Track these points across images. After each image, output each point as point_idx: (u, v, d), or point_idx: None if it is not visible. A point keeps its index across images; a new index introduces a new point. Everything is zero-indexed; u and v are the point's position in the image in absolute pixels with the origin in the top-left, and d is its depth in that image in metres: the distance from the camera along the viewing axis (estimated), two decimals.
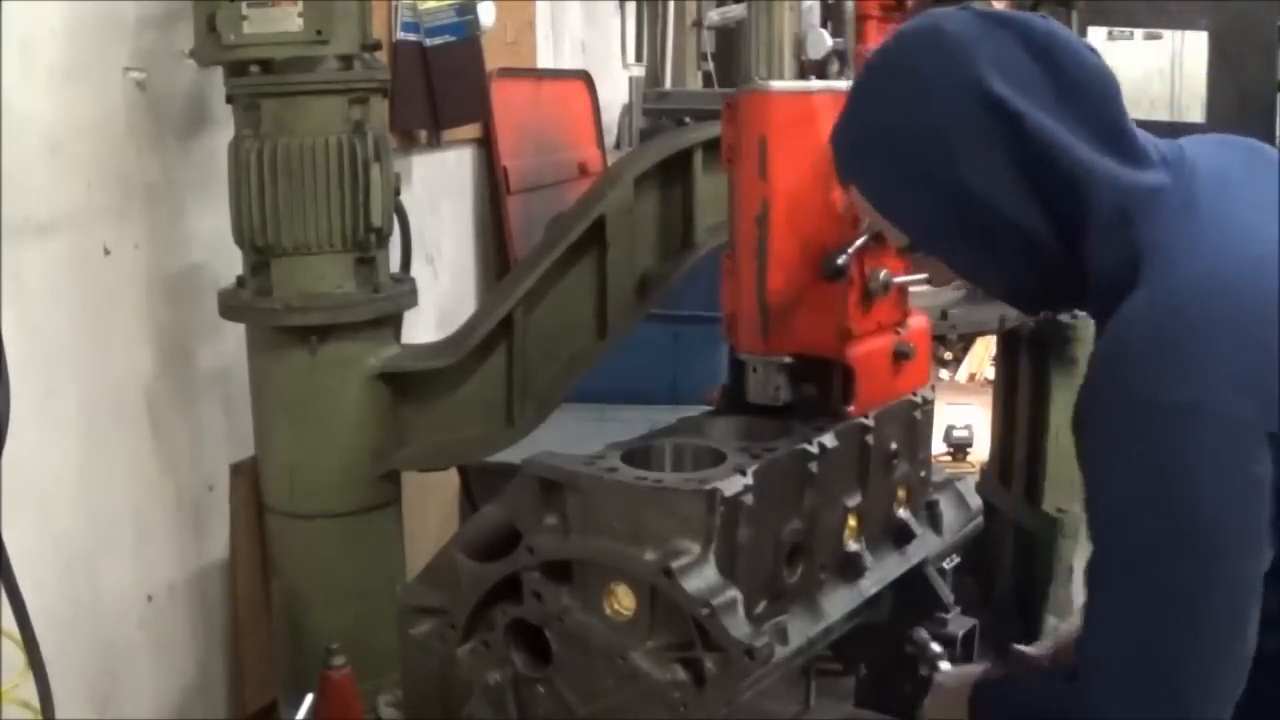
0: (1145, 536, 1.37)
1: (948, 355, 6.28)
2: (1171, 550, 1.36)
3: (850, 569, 1.97)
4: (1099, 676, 1.43)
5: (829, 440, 1.88)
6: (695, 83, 6.26)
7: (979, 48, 1.46)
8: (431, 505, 3.52)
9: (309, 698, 2.28)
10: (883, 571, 2.04)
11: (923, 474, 2.15)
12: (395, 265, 2.74)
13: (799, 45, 1.91)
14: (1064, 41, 1.50)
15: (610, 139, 5.23)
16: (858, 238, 1.89)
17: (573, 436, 2.24)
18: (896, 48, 1.55)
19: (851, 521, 1.96)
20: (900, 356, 2.02)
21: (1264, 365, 1.34)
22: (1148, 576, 1.38)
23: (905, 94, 1.50)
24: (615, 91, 5.46)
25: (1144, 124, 1.58)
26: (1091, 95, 1.50)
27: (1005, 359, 3.44)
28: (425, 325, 3.52)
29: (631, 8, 5.73)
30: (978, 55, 1.46)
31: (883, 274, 1.96)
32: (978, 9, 1.52)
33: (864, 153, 1.57)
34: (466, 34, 3.79)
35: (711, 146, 2.54)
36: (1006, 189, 1.46)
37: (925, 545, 2.14)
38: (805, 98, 1.90)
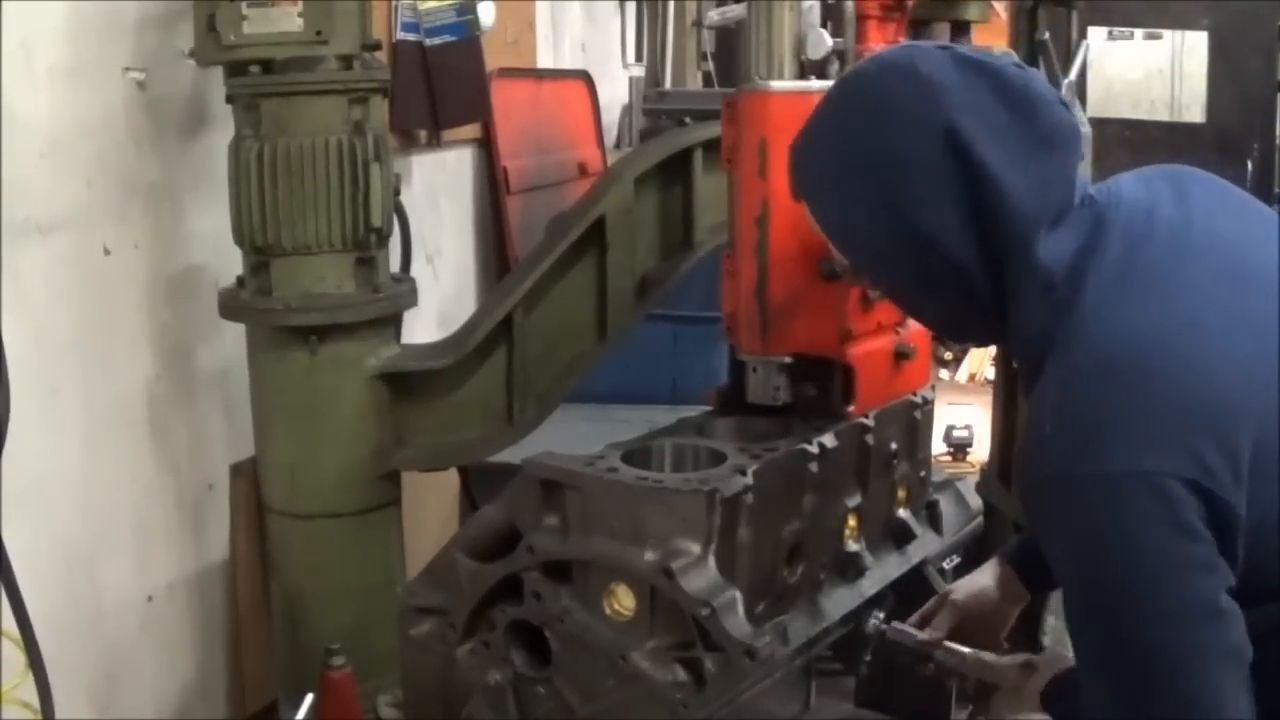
0: (1099, 603, 1.40)
1: (948, 355, 6.27)
2: (1126, 614, 1.37)
3: (850, 569, 1.97)
4: None
5: (829, 440, 1.88)
6: (695, 83, 6.25)
7: (951, 91, 1.46)
8: (431, 505, 3.52)
9: (309, 698, 2.28)
10: (883, 571, 2.04)
11: (923, 474, 2.16)
12: (395, 265, 2.74)
13: (799, 45, 1.91)
14: (1038, 94, 1.49)
15: (610, 139, 5.23)
16: None
17: (573, 436, 2.24)
18: (870, 77, 1.54)
19: (851, 521, 1.96)
20: (900, 356, 2.02)
21: (1175, 419, 1.33)
22: (1112, 640, 1.40)
23: (871, 123, 1.49)
24: (615, 91, 5.45)
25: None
26: (1054, 150, 1.48)
27: (1005, 359, 3.43)
28: (425, 325, 3.52)
29: (631, 8, 5.72)
30: (949, 98, 1.45)
31: None
32: (957, 51, 1.52)
33: (819, 173, 1.57)
34: (466, 34, 3.79)
35: (711, 146, 2.54)
36: (955, 233, 1.46)
37: (925, 545, 2.15)
38: (805, 98, 1.90)
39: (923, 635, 1.96)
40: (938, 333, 1.70)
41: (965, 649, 1.93)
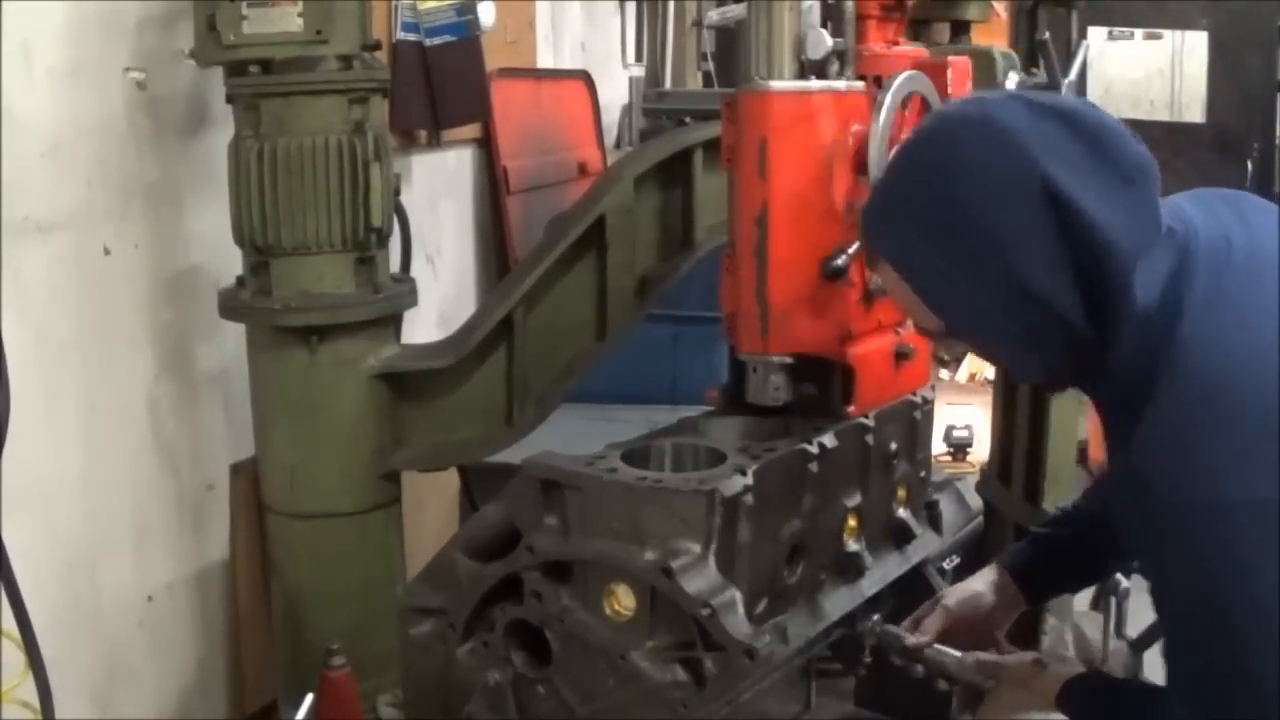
0: (1204, 629, 1.41)
1: (948, 355, 6.28)
2: (1232, 641, 1.39)
3: (850, 569, 1.97)
4: None
5: (829, 440, 1.88)
6: (695, 83, 6.25)
7: (1034, 141, 1.45)
8: (431, 505, 3.52)
9: (309, 698, 2.28)
10: (883, 571, 2.04)
11: (923, 474, 2.16)
12: (395, 265, 2.74)
13: (799, 45, 1.91)
14: (1112, 130, 1.49)
15: (610, 139, 5.23)
16: (858, 238, 1.90)
17: (573, 436, 2.24)
18: (950, 138, 1.51)
19: (851, 521, 1.96)
20: (900, 356, 2.02)
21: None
22: (1211, 664, 1.42)
23: (962, 187, 1.47)
24: (615, 91, 5.45)
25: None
26: (1137, 184, 1.48)
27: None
28: (425, 325, 3.52)
29: (631, 8, 5.72)
30: (1035, 150, 1.44)
31: None
32: (1028, 98, 1.51)
33: (909, 241, 1.53)
34: (466, 34, 3.79)
35: (711, 146, 2.53)
36: (1063, 286, 1.45)
37: (925, 545, 2.15)
38: (805, 98, 1.90)
39: (912, 638, 1.97)
40: (1029, 380, 1.70)
41: (955, 651, 1.94)
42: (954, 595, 2.01)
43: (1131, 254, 1.45)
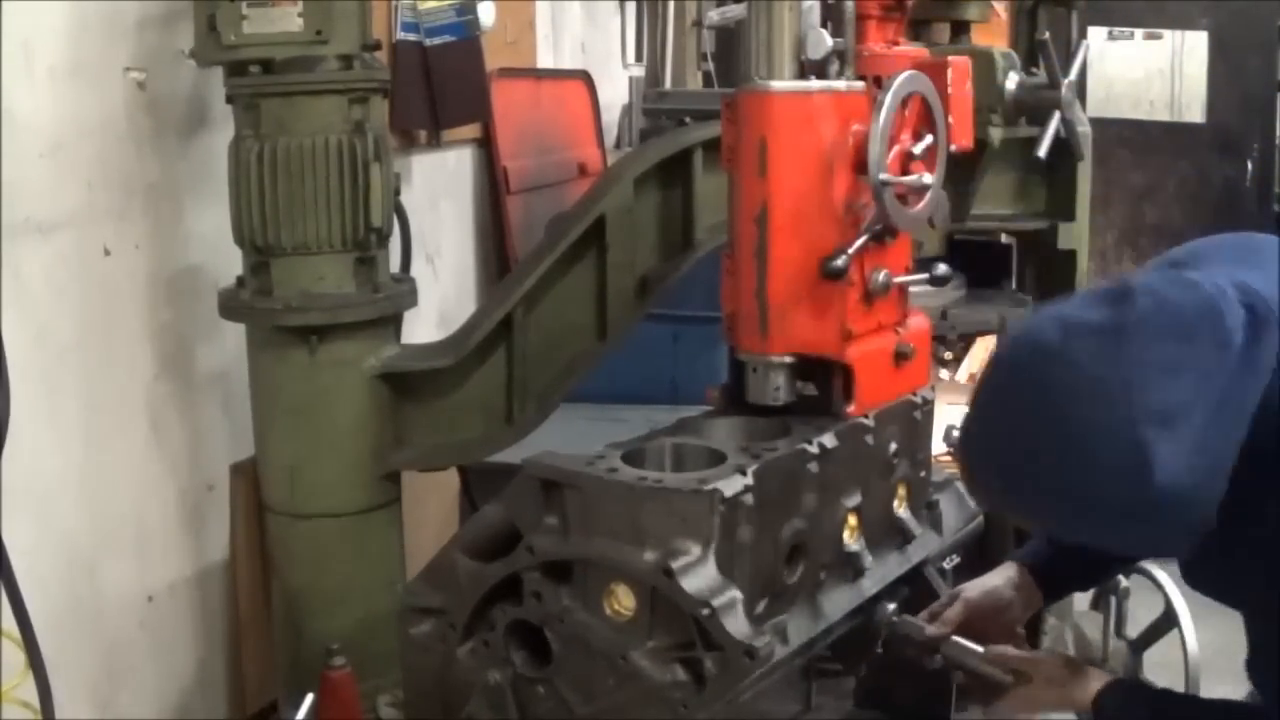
0: None
1: (948, 355, 6.28)
2: None
3: (850, 569, 1.97)
4: None
5: (829, 440, 1.88)
6: (695, 83, 6.25)
7: (1125, 385, 1.45)
8: (431, 505, 3.52)
9: (309, 698, 2.28)
10: (883, 571, 2.04)
11: (923, 474, 2.16)
12: (395, 265, 2.74)
13: (799, 45, 1.91)
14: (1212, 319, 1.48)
15: (610, 139, 5.23)
16: (858, 238, 1.90)
17: (573, 436, 2.24)
18: (1036, 396, 1.51)
19: (851, 521, 1.96)
20: (900, 356, 2.02)
21: None
22: None
23: (1068, 455, 1.49)
24: (615, 91, 5.45)
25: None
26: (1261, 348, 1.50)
27: None
28: (425, 325, 3.52)
29: (631, 8, 5.72)
30: (1129, 396, 1.45)
31: (883, 274, 1.96)
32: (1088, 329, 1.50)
33: (1024, 495, 1.58)
34: (466, 34, 3.79)
35: (711, 146, 2.53)
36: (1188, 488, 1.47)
37: (925, 545, 2.14)
38: (805, 98, 1.90)
39: (931, 628, 1.97)
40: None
41: (976, 645, 1.94)
42: (973, 589, 2.02)
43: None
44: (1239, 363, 1.46)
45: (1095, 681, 1.84)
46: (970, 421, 1.63)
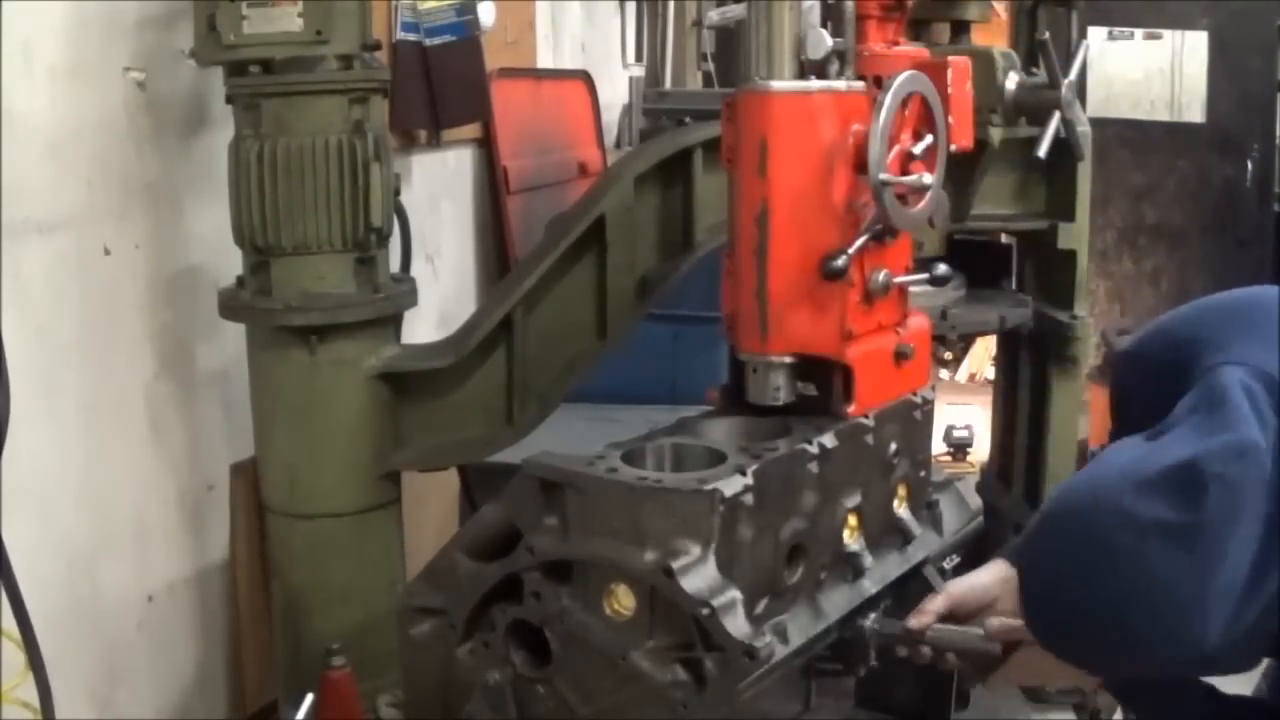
0: None
1: (948, 355, 6.29)
2: None
3: (850, 569, 1.97)
4: None
5: (829, 440, 1.88)
6: (695, 83, 6.25)
7: (1195, 593, 1.46)
8: (431, 505, 3.52)
9: (309, 698, 2.28)
10: (883, 571, 2.04)
11: (923, 474, 2.15)
12: (395, 265, 2.74)
13: (799, 45, 1.91)
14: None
15: (610, 139, 5.23)
16: (858, 238, 1.90)
17: (573, 436, 2.23)
18: (1101, 592, 1.52)
19: (851, 521, 1.96)
20: (900, 356, 2.02)
21: None
22: None
23: (1125, 633, 1.51)
24: (615, 91, 5.46)
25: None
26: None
27: (1005, 359, 3.44)
28: (425, 325, 3.52)
29: (631, 8, 5.72)
30: (1197, 596, 1.46)
31: (883, 274, 1.96)
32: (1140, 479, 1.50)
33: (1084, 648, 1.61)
34: (466, 34, 3.79)
35: (711, 146, 2.53)
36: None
37: (925, 545, 2.14)
38: (805, 98, 1.90)
39: (913, 619, 1.96)
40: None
41: (964, 628, 1.93)
42: (957, 584, 2.02)
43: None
44: None
45: None
46: (1034, 560, 1.65)
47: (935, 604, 1.98)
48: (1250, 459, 1.46)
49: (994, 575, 2.02)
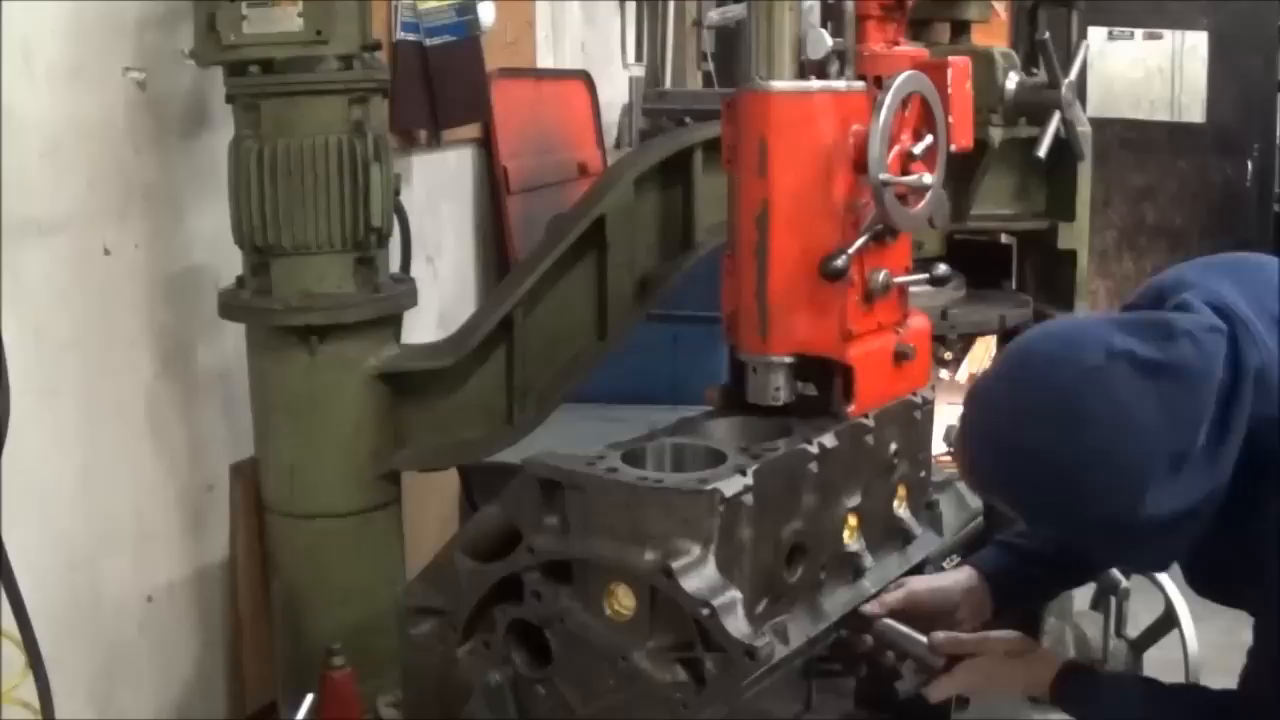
0: None
1: (948, 355, 6.28)
2: None
3: (850, 569, 1.97)
4: None
5: (829, 440, 1.88)
6: (695, 83, 6.25)
7: (1149, 424, 1.53)
8: (431, 505, 3.52)
9: (309, 698, 2.28)
10: (883, 571, 2.04)
11: (923, 474, 2.16)
12: (395, 265, 2.74)
13: (799, 45, 1.91)
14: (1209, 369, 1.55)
15: (610, 139, 5.23)
16: (858, 238, 1.90)
17: (573, 436, 2.24)
18: (1071, 408, 1.56)
19: (851, 521, 1.96)
20: (900, 357, 2.02)
21: None
22: None
23: (1070, 469, 1.56)
24: (615, 91, 5.45)
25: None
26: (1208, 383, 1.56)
27: None
28: (425, 325, 3.52)
29: (631, 8, 5.72)
30: (1150, 435, 1.53)
31: (883, 274, 1.96)
32: (1139, 358, 1.55)
33: (1022, 487, 1.64)
34: (466, 34, 3.79)
35: (711, 146, 2.53)
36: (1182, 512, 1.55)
37: (925, 545, 2.15)
38: (805, 98, 1.90)
39: (867, 606, 1.97)
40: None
41: (916, 635, 1.94)
42: (920, 582, 2.03)
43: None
44: (1241, 408, 1.55)
45: (1051, 664, 1.86)
46: (985, 395, 1.67)
47: (894, 597, 1.99)
48: (1215, 335, 1.55)
49: (958, 581, 2.03)
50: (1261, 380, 1.56)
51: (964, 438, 1.70)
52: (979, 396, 1.68)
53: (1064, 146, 2.83)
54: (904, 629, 1.95)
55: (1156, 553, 1.67)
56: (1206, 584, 1.80)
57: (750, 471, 1.74)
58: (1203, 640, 2.72)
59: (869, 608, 1.97)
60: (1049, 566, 2.05)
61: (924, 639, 1.94)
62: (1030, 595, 2.16)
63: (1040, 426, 1.58)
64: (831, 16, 1.93)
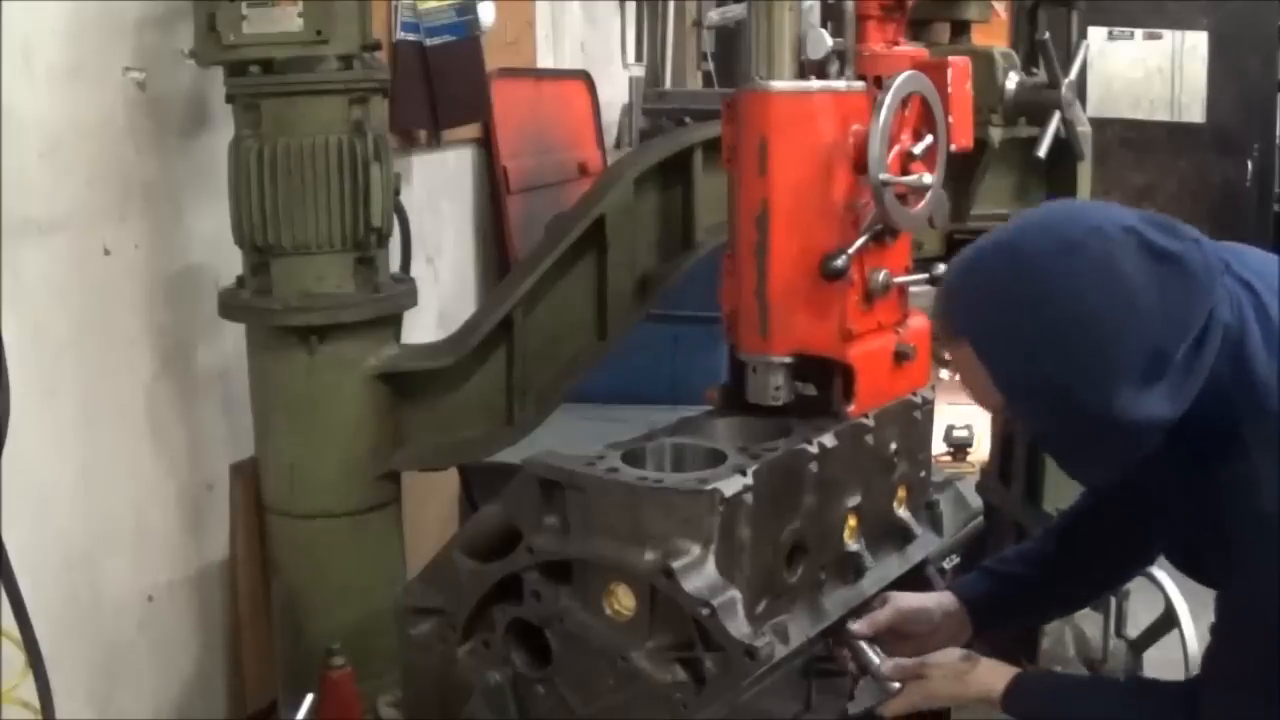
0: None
1: (948, 355, 6.28)
2: None
3: (850, 569, 1.97)
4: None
5: (829, 440, 1.88)
6: (695, 83, 6.26)
7: (1153, 305, 1.54)
8: (431, 505, 3.52)
9: (309, 698, 2.28)
10: (883, 571, 2.05)
11: (923, 474, 2.16)
12: (395, 265, 2.74)
13: (799, 45, 1.91)
14: (1211, 266, 1.60)
15: (610, 139, 5.23)
16: (858, 238, 1.90)
17: (573, 436, 2.24)
18: (1065, 272, 1.57)
19: (851, 521, 1.96)
20: (900, 356, 2.02)
21: None
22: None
23: (1072, 329, 1.56)
24: (615, 91, 5.45)
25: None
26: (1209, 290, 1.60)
27: None
28: (425, 325, 3.52)
29: (631, 8, 5.72)
30: (1150, 315, 1.54)
31: (883, 274, 1.96)
32: (1146, 239, 1.57)
33: (1003, 339, 1.62)
34: (466, 34, 3.79)
35: (711, 146, 2.53)
36: (1141, 405, 1.56)
37: (925, 545, 2.15)
38: (805, 98, 1.90)
39: (852, 624, 1.97)
40: (1089, 480, 1.89)
41: (875, 654, 1.94)
42: (906, 600, 2.02)
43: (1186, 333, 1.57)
44: (1209, 351, 1.57)
45: (998, 674, 1.85)
46: (994, 235, 1.67)
47: (882, 616, 2.00)
48: (1213, 256, 1.60)
49: (940, 603, 2.03)
50: (1226, 338, 1.58)
51: (963, 273, 1.68)
52: (987, 237, 1.68)
53: (1064, 146, 2.83)
54: (872, 653, 1.96)
55: (1106, 459, 1.64)
56: (1183, 560, 1.82)
57: (750, 471, 1.74)
58: (1203, 640, 2.72)
59: (857, 626, 1.97)
60: (1026, 594, 2.07)
61: (884, 665, 1.95)
62: (1010, 617, 2.15)
63: (1043, 274, 1.58)
64: (831, 16, 1.94)
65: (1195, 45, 6.61)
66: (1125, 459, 1.63)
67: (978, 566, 2.13)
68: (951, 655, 1.91)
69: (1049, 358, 1.56)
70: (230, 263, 2.63)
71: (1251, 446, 1.56)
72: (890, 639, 1.98)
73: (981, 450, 4.35)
